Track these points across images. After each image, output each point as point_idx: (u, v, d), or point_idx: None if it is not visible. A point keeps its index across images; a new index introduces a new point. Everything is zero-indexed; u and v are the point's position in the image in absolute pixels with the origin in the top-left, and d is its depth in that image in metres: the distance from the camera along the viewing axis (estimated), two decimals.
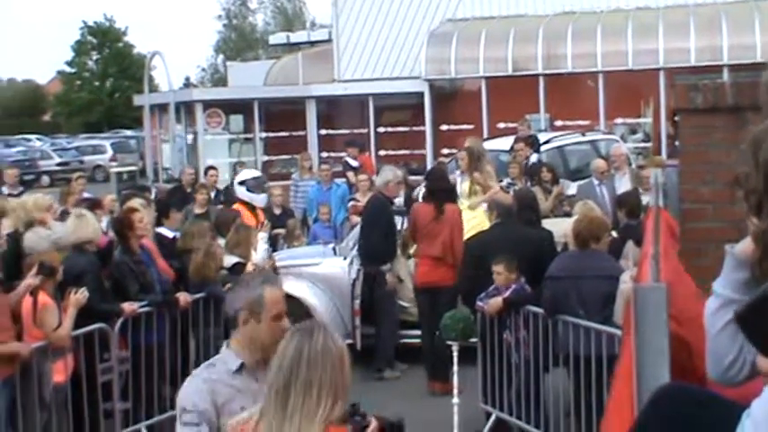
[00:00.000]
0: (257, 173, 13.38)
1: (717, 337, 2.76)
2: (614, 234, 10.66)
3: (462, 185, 13.25)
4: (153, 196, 15.56)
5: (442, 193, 11.88)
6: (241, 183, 12.65)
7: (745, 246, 2.68)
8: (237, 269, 10.66)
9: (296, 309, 12.15)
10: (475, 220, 12.21)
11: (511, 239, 9.94)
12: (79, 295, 8.59)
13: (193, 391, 4.51)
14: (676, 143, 6.06)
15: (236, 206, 12.55)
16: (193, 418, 4.43)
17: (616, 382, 4.24)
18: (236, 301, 4.65)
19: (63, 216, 11.57)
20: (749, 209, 2.22)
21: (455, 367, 9.61)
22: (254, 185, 12.58)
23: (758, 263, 2.36)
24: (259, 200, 12.82)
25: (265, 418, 3.81)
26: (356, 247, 12.51)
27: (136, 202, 10.97)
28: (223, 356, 4.65)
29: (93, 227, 9.69)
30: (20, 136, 65.27)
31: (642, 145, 26.25)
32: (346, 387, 3.85)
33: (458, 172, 14.04)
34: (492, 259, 9.56)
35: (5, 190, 15.76)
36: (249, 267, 10.72)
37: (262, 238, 12.18)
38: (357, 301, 12.19)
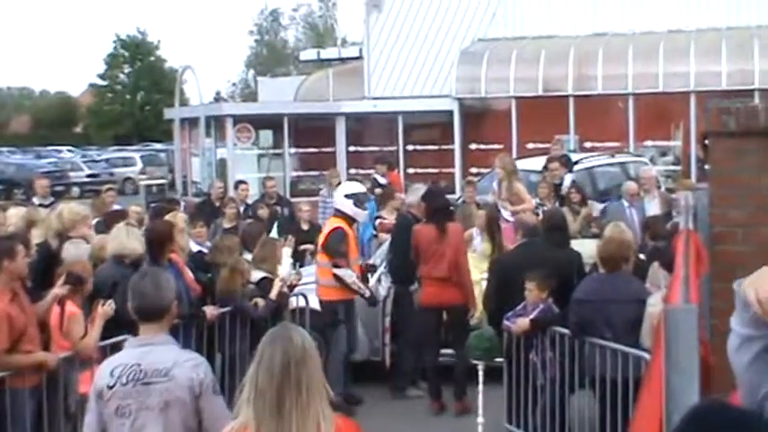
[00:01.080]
0: (362, 187, 12.89)
1: (746, 373, 2.74)
2: (642, 256, 10.63)
3: (483, 245, 12.92)
4: (182, 210, 15.65)
5: (442, 212, 11.67)
6: (348, 196, 12.08)
7: (745, 286, 2.65)
8: (264, 284, 10.69)
9: (322, 323, 12.19)
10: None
11: (537, 259, 9.90)
12: (107, 307, 8.62)
13: None
14: (705, 167, 6.04)
15: (334, 219, 12.01)
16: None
17: (642, 400, 4.23)
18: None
19: (98, 227, 11.66)
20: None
21: (480, 386, 9.59)
22: (359, 201, 12.18)
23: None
24: (362, 215, 12.38)
25: (262, 426, 4.05)
26: (383, 265, 12.50)
27: (178, 217, 11.03)
28: None
29: (138, 239, 9.77)
30: (51, 147, 65.71)
31: (672, 168, 26.17)
32: (324, 381, 4.19)
33: (495, 183, 13.88)
34: (518, 279, 9.54)
35: (36, 200, 15.85)
36: (276, 282, 10.75)
37: (286, 253, 12.16)
38: (387, 318, 12.15)
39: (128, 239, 9.66)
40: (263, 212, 16.44)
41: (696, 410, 2.81)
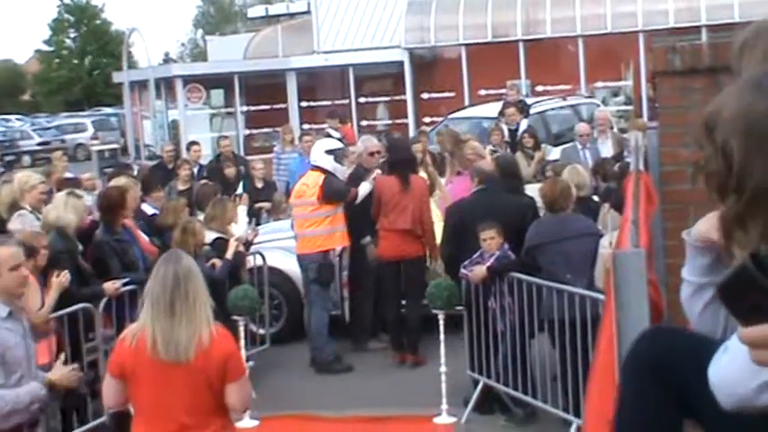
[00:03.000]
0: (339, 143, 12.66)
1: (700, 320, 2.76)
2: (595, 198, 10.69)
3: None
4: (135, 173, 15.54)
5: (405, 164, 11.63)
6: (329, 152, 11.84)
7: (701, 232, 2.66)
8: (218, 244, 10.63)
9: (282, 282, 12.18)
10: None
11: (493, 206, 9.91)
12: (62, 278, 8.54)
13: None
14: (657, 106, 6.05)
15: (314, 173, 11.70)
16: None
17: (599, 348, 4.25)
18: None
19: (49, 196, 11.52)
20: (711, 194, 2.17)
21: (441, 336, 9.63)
22: (340, 155, 11.98)
23: (725, 247, 2.33)
24: (342, 171, 12.02)
25: (156, 324, 5.29)
26: None
27: (125, 181, 10.92)
28: None
29: (75, 210, 9.65)
30: None
31: (624, 108, 26.27)
32: (207, 294, 5.46)
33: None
34: (474, 226, 9.54)
35: None
36: (231, 242, 10.69)
37: (242, 211, 12.07)
38: (344, 273, 12.14)
39: (64, 211, 9.54)
40: (231, 171, 16.33)
41: (639, 339, 2.84)
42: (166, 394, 5.32)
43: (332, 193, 11.45)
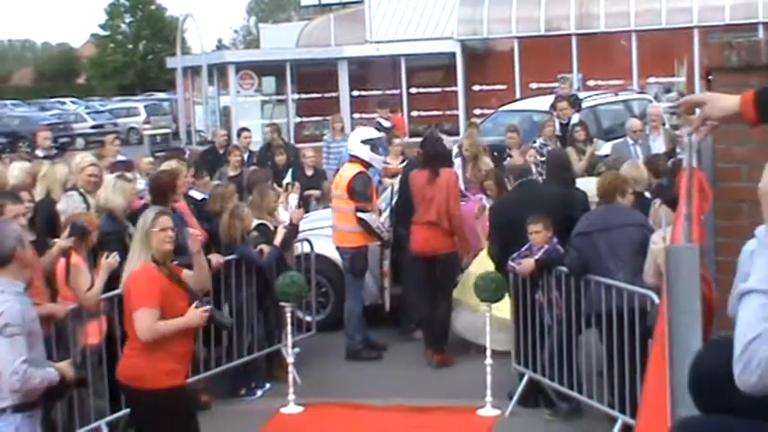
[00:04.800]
0: (377, 132, 12.59)
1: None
2: (647, 194, 10.61)
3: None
4: (186, 158, 15.62)
5: (436, 157, 11.47)
6: (365, 141, 11.82)
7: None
8: (262, 230, 10.66)
9: (328, 268, 12.20)
10: None
11: (535, 197, 9.89)
12: (111, 259, 8.62)
13: (17, 309, 5.74)
14: None
15: (352, 164, 11.72)
16: (16, 330, 5.69)
17: (654, 346, 4.22)
18: (8, 240, 5.88)
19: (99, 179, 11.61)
20: None
21: (488, 328, 9.61)
22: (375, 146, 11.98)
23: None
24: (379, 161, 12.09)
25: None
26: (387, 209, 12.45)
27: (177, 165, 10.98)
28: (3, 285, 5.81)
29: (123, 193, 9.73)
30: (54, 99, 65.54)
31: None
32: None
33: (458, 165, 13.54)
34: (518, 220, 9.51)
35: (40, 153, 15.81)
36: (280, 229, 10.71)
37: (293, 198, 12.08)
38: (386, 262, 12.13)
39: (113, 194, 9.64)
40: (281, 159, 16.38)
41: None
42: None
43: (355, 192, 11.43)
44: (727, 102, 3.64)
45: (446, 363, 11.11)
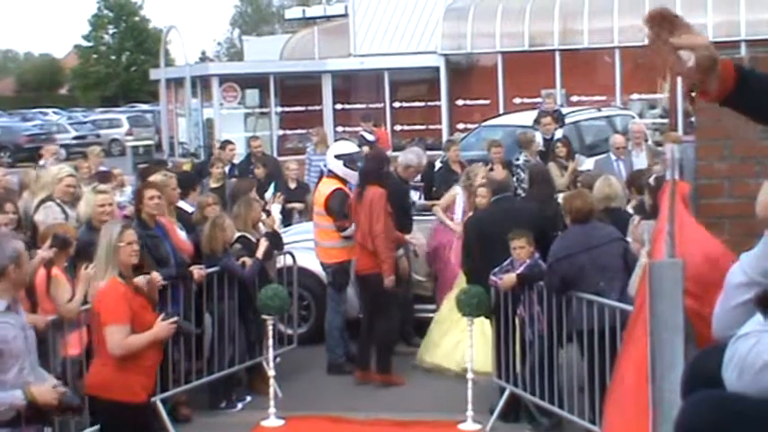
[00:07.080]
0: (354, 147, 12.57)
1: (732, 310, 2.76)
2: (629, 210, 10.64)
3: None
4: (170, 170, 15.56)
5: (365, 175, 11.20)
6: (338, 156, 11.81)
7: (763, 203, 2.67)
8: (243, 242, 10.64)
9: (311, 283, 12.18)
10: None
11: (513, 213, 9.93)
12: (90, 270, 8.57)
13: None
14: (692, 119, 6.00)
15: (330, 180, 11.75)
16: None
17: (624, 354, 4.22)
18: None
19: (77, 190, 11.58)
20: None
21: (471, 341, 9.61)
22: (349, 161, 11.92)
23: None
24: (353, 176, 11.80)
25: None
26: None
27: (161, 179, 10.89)
28: None
29: (87, 204, 9.78)
30: (37, 110, 65.32)
31: (660, 121, 26.16)
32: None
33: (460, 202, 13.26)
34: (495, 234, 9.51)
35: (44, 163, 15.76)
36: (262, 241, 10.66)
37: (275, 209, 12.03)
38: None
39: (85, 205, 9.67)
40: (260, 172, 16.33)
41: (690, 404, 2.81)
42: None
43: (332, 211, 11.41)
44: (706, 41, 3.05)
45: (392, 383, 11.00)
